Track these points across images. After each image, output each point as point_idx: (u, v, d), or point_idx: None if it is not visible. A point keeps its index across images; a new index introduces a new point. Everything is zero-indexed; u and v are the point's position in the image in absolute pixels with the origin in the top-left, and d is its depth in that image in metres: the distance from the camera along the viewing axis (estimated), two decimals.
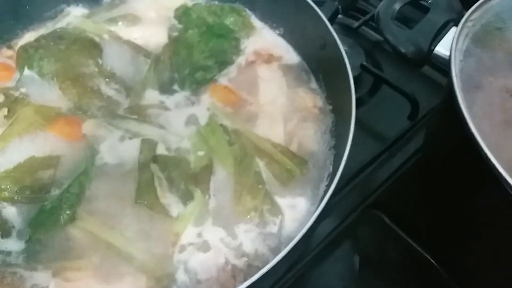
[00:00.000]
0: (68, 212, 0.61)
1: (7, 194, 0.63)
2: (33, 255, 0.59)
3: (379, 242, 0.81)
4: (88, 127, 0.70)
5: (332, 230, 0.77)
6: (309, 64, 0.80)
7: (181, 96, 0.76)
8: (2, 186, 0.63)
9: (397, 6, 0.71)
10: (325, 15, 0.71)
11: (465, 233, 0.67)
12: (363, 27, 1.04)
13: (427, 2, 0.72)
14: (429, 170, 0.78)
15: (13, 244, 0.60)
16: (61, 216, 0.60)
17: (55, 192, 0.63)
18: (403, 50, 0.69)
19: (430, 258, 0.75)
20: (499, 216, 0.59)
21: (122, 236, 0.60)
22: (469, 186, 0.64)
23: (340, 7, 0.75)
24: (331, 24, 0.70)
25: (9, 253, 0.60)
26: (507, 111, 0.61)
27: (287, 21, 0.81)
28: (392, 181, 0.82)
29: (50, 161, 0.66)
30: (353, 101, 0.61)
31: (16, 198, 0.63)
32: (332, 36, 0.68)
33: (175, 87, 0.78)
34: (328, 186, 0.64)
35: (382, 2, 0.72)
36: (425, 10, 0.73)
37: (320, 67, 0.77)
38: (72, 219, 0.61)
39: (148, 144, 0.69)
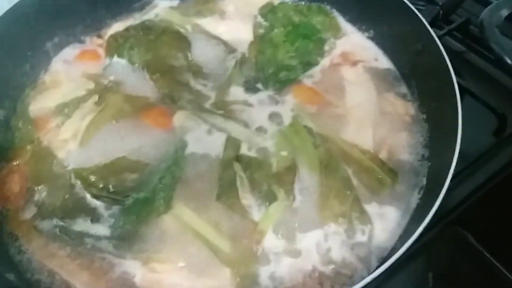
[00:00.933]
0: (162, 202, 0.61)
1: (93, 190, 0.64)
2: (123, 243, 0.60)
3: (456, 259, 0.77)
4: (178, 118, 0.70)
5: (410, 245, 0.74)
6: (400, 70, 0.77)
7: (264, 95, 0.75)
8: (91, 180, 0.64)
9: (504, 13, 0.67)
10: (425, 19, 0.68)
11: None
12: (446, 37, 0.99)
13: None
14: None
15: (104, 230, 0.61)
16: (156, 206, 0.61)
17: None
18: (509, 61, 0.65)
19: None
20: None
21: (212, 227, 0.60)
22: None
23: (441, 11, 0.72)
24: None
25: (99, 238, 0.60)
26: None
27: (379, 24, 0.79)
28: (477, 198, 0.78)
29: (138, 166, 0.66)
30: (459, 112, 0.58)
31: (97, 194, 0.64)
32: (435, 42, 0.65)
33: (259, 85, 0.77)
34: (424, 200, 0.61)
35: (486, 9, 0.69)
36: None
37: (414, 73, 0.74)
38: (167, 209, 0.61)
39: (233, 143, 0.68)
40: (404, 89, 0.75)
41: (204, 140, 0.69)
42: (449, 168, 0.54)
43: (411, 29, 0.70)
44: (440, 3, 0.72)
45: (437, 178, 0.59)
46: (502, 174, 0.80)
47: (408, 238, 0.52)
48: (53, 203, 0.63)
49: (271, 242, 0.60)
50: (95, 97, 0.73)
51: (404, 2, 0.71)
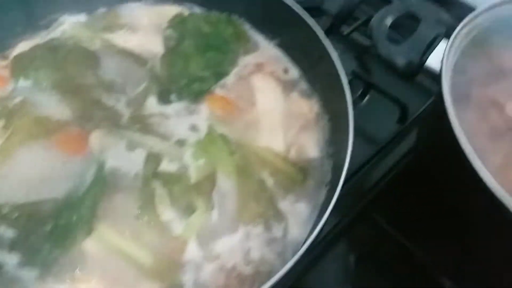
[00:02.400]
0: (85, 226, 0.62)
1: (7, 222, 0.63)
2: (44, 269, 0.60)
3: (374, 241, 0.85)
4: (95, 138, 0.70)
5: (328, 231, 0.80)
6: (305, 74, 0.82)
7: (180, 106, 0.77)
8: (3, 212, 0.63)
9: (389, 21, 0.75)
10: (322, 28, 0.74)
11: (457, 233, 0.72)
12: (354, 33, 1.06)
13: (418, 16, 0.75)
14: (421, 174, 0.83)
15: (22, 259, 0.60)
16: (79, 231, 0.61)
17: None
18: (395, 64, 0.73)
19: (423, 256, 0.79)
20: (486, 217, 0.64)
21: (134, 244, 0.62)
22: (458, 190, 0.69)
23: (335, 21, 0.78)
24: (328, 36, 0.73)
25: (18, 267, 0.60)
26: (492, 121, 0.66)
27: (283, 33, 0.83)
28: (385, 183, 0.86)
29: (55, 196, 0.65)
30: (350, 114, 0.64)
31: (12, 225, 0.63)
32: (327, 50, 0.71)
33: (173, 97, 0.78)
34: (329, 194, 0.67)
35: (375, 16, 0.76)
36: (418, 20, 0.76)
37: (316, 77, 0.79)
38: (89, 232, 0.62)
39: (152, 159, 0.69)
40: (308, 89, 0.81)
41: (124, 158, 0.69)
42: (344, 162, 0.60)
43: (310, 38, 0.75)
44: (333, 14, 0.78)
45: (339, 172, 0.65)
46: (406, 158, 0.90)
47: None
48: None
49: (193, 250, 0.63)
50: (2, 121, 0.71)
51: (299, 16, 0.76)
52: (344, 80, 0.67)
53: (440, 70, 0.65)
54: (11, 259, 0.60)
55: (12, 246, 0.61)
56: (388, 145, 0.91)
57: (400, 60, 0.72)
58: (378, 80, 0.97)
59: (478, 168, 0.57)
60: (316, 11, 0.81)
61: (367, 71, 1.03)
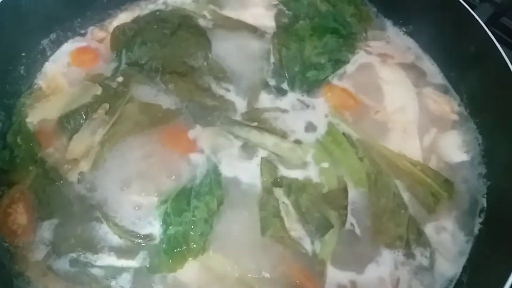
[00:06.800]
0: (196, 243, 0.53)
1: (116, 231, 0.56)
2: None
3: None
4: (206, 136, 0.61)
5: None
6: (444, 71, 0.70)
7: (293, 98, 0.67)
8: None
9: None
10: (481, 19, 0.61)
11: None
12: None
13: None
14: None
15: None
16: (188, 248, 0.53)
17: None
18: None
19: None
20: None
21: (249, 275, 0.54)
22: None
23: (497, 11, 0.64)
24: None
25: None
26: None
27: (420, 20, 0.70)
28: None
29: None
30: None
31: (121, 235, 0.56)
32: (494, 45, 0.58)
33: (284, 86, 0.68)
34: (489, 227, 0.57)
35: None
36: None
37: (463, 78, 0.67)
38: (202, 250, 0.54)
39: (268, 165, 0.60)
40: (445, 84, 0.69)
41: (238, 162, 0.60)
42: None
43: (463, 29, 0.63)
44: (499, 2, 0.64)
45: (502, 204, 0.55)
46: None
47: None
48: (69, 237, 0.54)
49: (333, 274, 0.54)
50: (106, 106, 0.62)
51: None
52: None
53: None
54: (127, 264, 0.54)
55: (125, 254, 0.55)
56: None
57: None
58: None
59: None
60: None
61: None
